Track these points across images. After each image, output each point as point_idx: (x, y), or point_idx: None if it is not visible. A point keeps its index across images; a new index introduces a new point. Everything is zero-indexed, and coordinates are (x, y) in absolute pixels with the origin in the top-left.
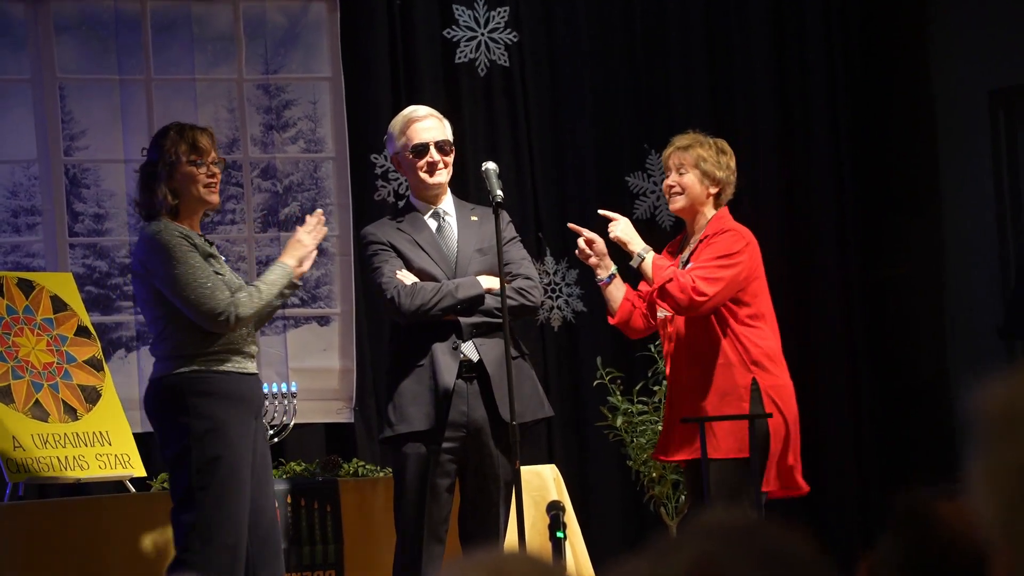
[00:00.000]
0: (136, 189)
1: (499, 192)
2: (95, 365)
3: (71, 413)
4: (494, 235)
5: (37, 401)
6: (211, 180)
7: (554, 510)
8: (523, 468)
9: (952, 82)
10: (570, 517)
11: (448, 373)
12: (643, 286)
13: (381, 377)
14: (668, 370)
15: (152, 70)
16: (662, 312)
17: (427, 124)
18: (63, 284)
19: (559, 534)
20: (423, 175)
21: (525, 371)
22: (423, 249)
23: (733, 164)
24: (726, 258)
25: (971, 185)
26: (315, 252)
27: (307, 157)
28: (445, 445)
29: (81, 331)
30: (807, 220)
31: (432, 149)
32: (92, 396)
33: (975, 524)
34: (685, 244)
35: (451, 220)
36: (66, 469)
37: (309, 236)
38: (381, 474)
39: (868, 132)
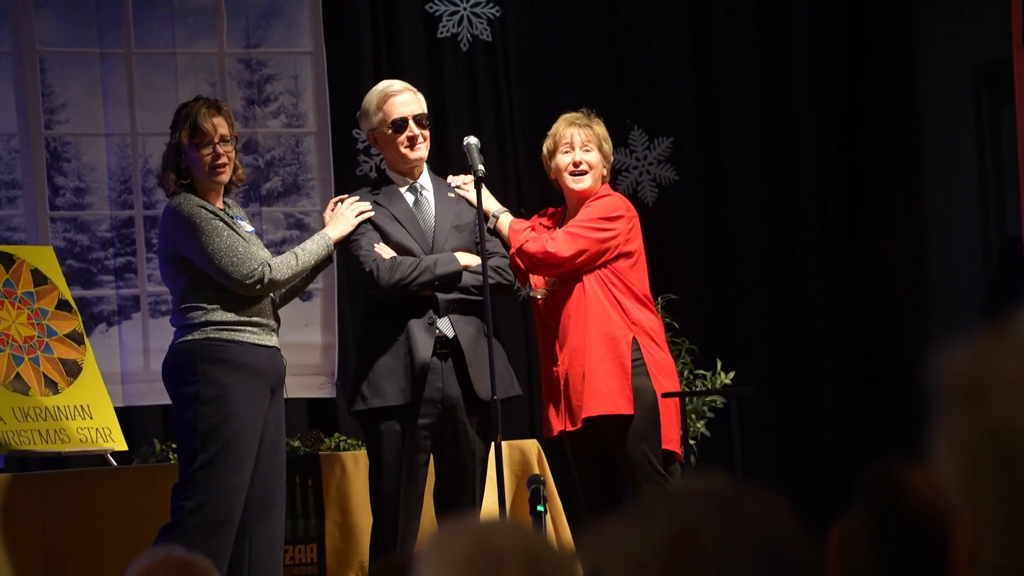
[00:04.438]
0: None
1: (481, 167)
2: (76, 339)
3: (52, 387)
4: (471, 212)
5: (18, 374)
6: (217, 163)
7: (535, 484)
8: (505, 443)
9: (936, 57)
10: (551, 491)
11: (424, 349)
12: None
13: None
14: (541, 346)
15: (132, 43)
16: (538, 292)
17: (404, 98)
18: (44, 258)
19: (539, 507)
20: (404, 150)
21: (497, 350)
22: (400, 223)
23: None
24: (599, 220)
25: (954, 161)
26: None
27: (288, 132)
28: (421, 421)
29: (62, 305)
30: (790, 197)
31: (411, 123)
32: (73, 370)
33: (941, 492)
34: (564, 219)
35: (428, 195)
36: (47, 442)
37: (352, 212)
38: (362, 448)
39: (851, 108)
